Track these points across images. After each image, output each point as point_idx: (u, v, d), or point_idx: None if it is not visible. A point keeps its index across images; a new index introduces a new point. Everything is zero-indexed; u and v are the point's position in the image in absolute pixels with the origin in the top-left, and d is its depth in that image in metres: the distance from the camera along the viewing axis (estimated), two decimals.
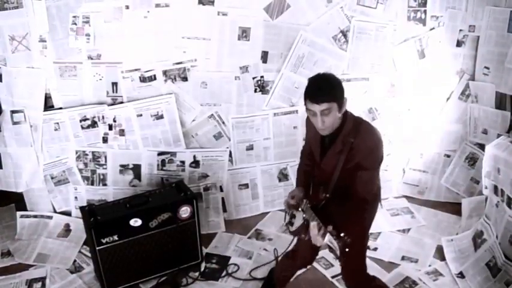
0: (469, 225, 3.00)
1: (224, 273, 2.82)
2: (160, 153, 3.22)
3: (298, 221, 2.04)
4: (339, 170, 1.97)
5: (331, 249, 1.85)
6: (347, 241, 1.78)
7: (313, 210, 1.96)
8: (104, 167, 3.19)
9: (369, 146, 1.94)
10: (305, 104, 1.93)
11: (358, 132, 1.94)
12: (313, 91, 1.89)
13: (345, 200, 1.95)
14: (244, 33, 3.06)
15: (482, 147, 3.17)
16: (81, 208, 2.69)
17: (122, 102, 3.09)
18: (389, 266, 2.79)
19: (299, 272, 2.74)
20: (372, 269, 2.59)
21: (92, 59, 2.98)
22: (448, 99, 3.38)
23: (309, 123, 2.06)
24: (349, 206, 1.95)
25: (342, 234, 1.78)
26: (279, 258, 2.72)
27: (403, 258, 2.88)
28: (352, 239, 1.79)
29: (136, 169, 3.23)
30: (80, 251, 3.03)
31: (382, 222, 3.19)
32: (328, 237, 1.80)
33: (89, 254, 2.85)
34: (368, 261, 2.30)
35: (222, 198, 3.36)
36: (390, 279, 2.66)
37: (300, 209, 2.00)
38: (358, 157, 1.92)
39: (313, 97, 1.88)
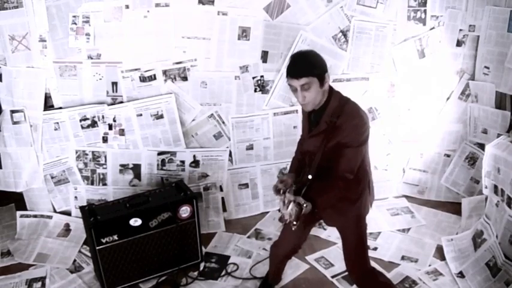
0: (469, 224, 3.00)
1: (223, 272, 2.82)
2: (160, 153, 3.22)
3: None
4: (321, 150, 1.98)
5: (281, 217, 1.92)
6: (303, 206, 1.86)
7: (297, 193, 1.98)
8: (104, 166, 3.19)
9: (352, 125, 1.95)
10: (287, 81, 1.96)
11: (342, 112, 1.96)
12: (292, 67, 1.93)
13: (326, 180, 1.98)
14: (244, 33, 3.06)
15: (482, 147, 3.17)
16: (81, 208, 2.68)
17: (121, 102, 3.09)
18: (389, 265, 2.79)
19: (299, 273, 2.76)
20: None
21: (91, 58, 2.98)
22: (448, 99, 3.38)
23: (302, 108, 2.10)
24: (326, 182, 1.98)
25: (302, 202, 1.86)
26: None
27: (403, 257, 2.88)
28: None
29: (136, 169, 3.23)
30: (79, 251, 3.03)
31: (382, 222, 3.20)
32: (291, 205, 1.86)
33: (89, 254, 2.85)
34: None
35: (222, 198, 3.36)
36: (390, 279, 2.65)
37: (287, 193, 2.00)
38: (340, 136, 1.94)
39: (292, 72, 1.92)
